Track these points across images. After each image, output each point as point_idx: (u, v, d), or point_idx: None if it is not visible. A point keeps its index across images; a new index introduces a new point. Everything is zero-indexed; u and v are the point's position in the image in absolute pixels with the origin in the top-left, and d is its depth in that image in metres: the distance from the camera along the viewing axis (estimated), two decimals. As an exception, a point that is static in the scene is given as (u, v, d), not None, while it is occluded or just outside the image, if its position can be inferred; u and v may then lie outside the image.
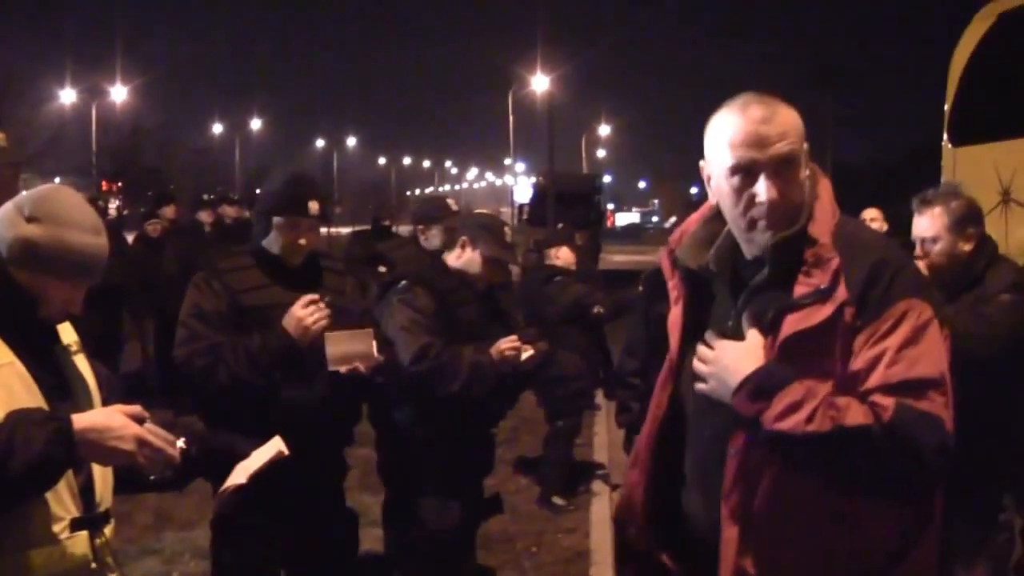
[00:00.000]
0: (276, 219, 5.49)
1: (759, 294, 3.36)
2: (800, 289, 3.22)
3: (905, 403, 3.03)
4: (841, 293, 3.16)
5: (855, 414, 3.04)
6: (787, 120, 3.31)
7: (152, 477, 3.50)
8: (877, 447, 3.01)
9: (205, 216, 15.55)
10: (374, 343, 5.38)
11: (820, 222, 3.30)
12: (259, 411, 5.14)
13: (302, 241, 5.49)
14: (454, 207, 6.74)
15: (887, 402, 3.03)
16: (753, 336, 3.27)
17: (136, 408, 3.33)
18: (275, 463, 4.14)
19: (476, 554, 6.92)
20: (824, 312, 3.16)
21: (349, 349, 5.29)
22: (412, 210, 7.45)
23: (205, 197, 16.49)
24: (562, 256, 10.90)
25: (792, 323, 3.20)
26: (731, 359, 3.25)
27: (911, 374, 3.06)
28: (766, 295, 3.32)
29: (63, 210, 3.44)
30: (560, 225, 15.57)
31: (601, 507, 10.38)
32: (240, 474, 4.03)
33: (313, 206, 5.48)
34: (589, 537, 9.45)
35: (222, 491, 4.07)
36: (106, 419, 3.25)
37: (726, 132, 3.33)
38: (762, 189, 3.27)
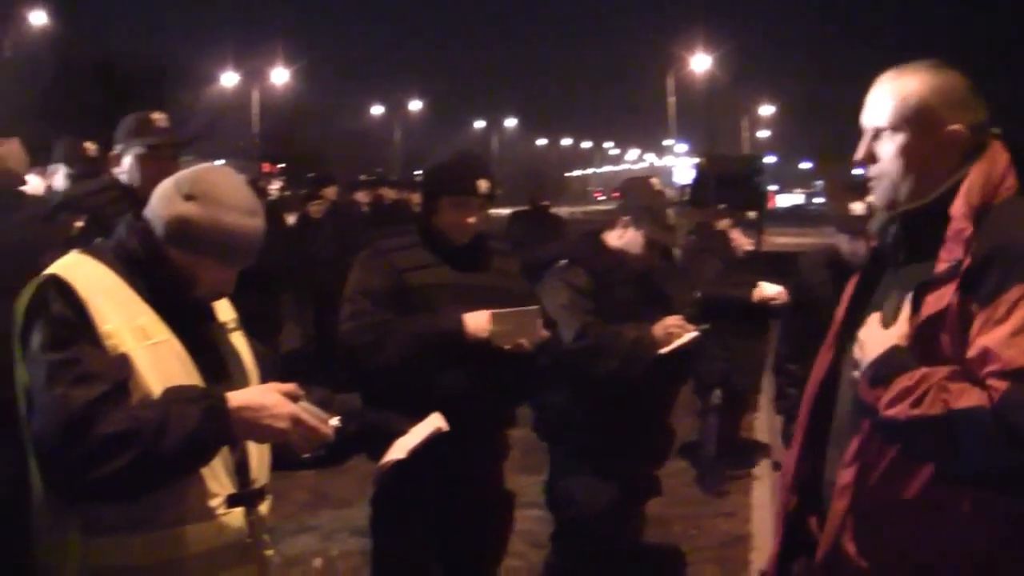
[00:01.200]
0: (446, 197, 5.45)
1: (909, 269, 3.32)
2: (939, 266, 3.19)
3: (1019, 386, 2.90)
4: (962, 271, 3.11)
5: (968, 397, 2.95)
6: (893, 93, 3.35)
7: (306, 455, 3.48)
8: (985, 431, 2.90)
9: (362, 197, 15.65)
10: (540, 321, 5.32)
11: (961, 199, 3.25)
12: (419, 390, 5.12)
13: (470, 220, 5.44)
14: (657, 187, 6.67)
15: (1000, 385, 2.92)
16: (893, 318, 3.22)
17: (291, 386, 3.33)
18: (433, 439, 4.10)
19: (639, 537, 6.87)
20: (952, 289, 3.11)
21: (515, 327, 5.23)
22: (620, 186, 7.36)
23: (362, 178, 16.58)
24: (733, 237, 10.76)
25: (930, 303, 3.16)
26: (866, 344, 3.21)
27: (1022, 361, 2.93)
28: (912, 272, 3.28)
29: (220, 190, 3.43)
30: (721, 206, 15.35)
31: (762, 492, 10.25)
32: (398, 450, 4.00)
33: (482, 185, 5.43)
34: (749, 522, 9.34)
35: (380, 467, 4.05)
36: (261, 397, 3.26)
37: None
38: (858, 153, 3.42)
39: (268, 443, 3.49)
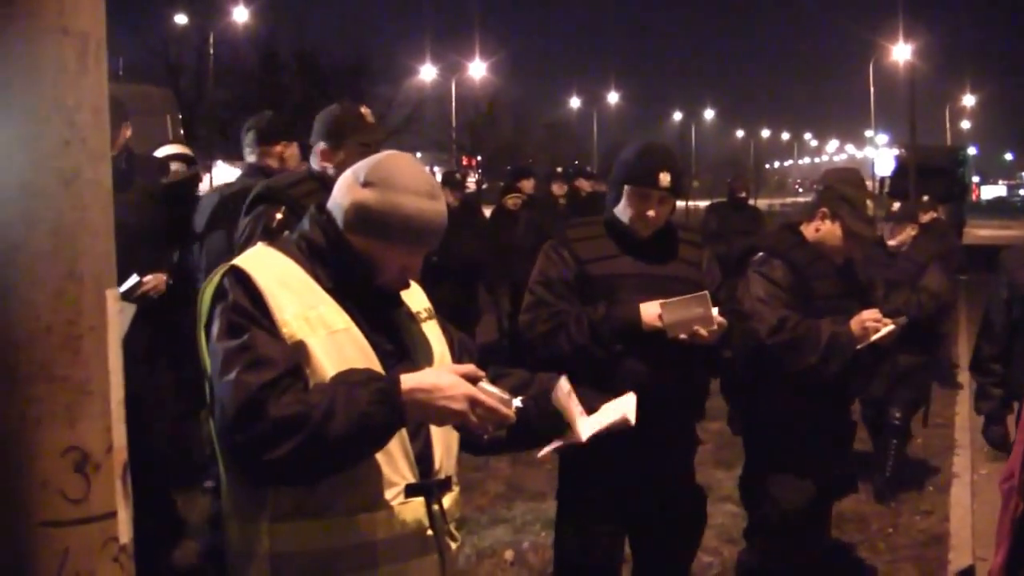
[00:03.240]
0: (626, 188, 5.39)
1: None
2: None
3: None
4: None
5: None
6: None
7: (485, 437, 3.43)
8: None
9: (557, 188, 15.63)
10: (712, 307, 5.21)
11: None
12: (601, 382, 5.09)
13: (650, 213, 5.34)
14: (858, 178, 6.55)
15: None
16: None
17: (469, 367, 3.30)
18: (616, 429, 3.99)
19: (830, 533, 6.76)
20: None
21: (686, 315, 5.13)
22: (821, 176, 7.29)
23: (558, 170, 16.58)
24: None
25: None
26: None
27: None
28: None
29: (397, 174, 3.41)
30: (925, 198, 15.05)
31: (961, 490, 10.02)
32: (585, 429, 3.88)
33: (664, 178, 5.31)
34: (948, 521, 9.11)
35: (559, 446, 3.92)
36: (435, 378, 3.22)
37: None
38: None
39: (445, 425, 3.42)
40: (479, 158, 69.68)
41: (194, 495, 8.65)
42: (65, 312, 2.48)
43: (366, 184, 3.40)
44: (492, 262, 13.97)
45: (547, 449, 3.83)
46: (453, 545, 3.58)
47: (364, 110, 5.80)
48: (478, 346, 4.04)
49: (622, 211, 5.40)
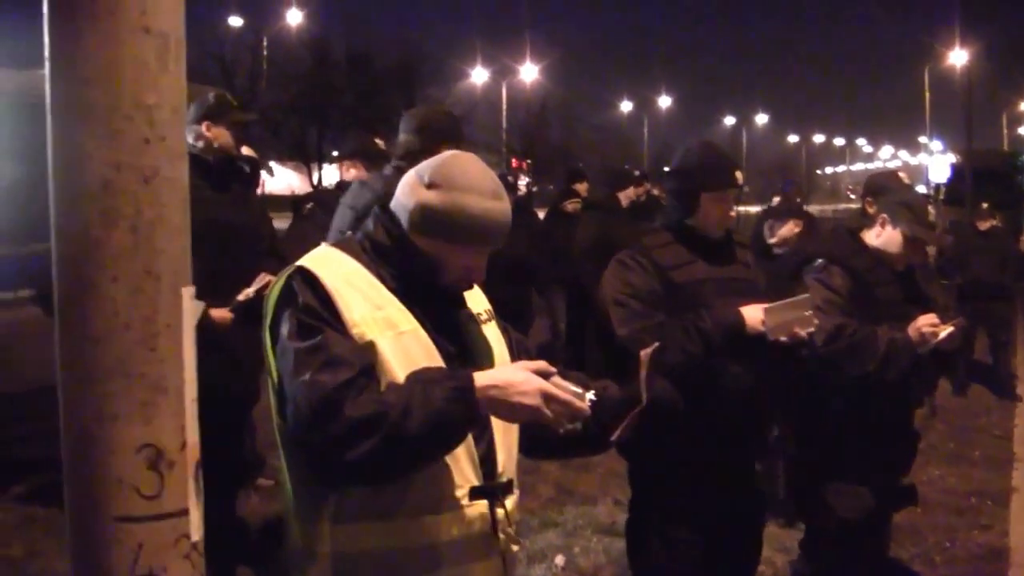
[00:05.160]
0: (705, 195, 5.38)
1: None
2: None
3: None
4: None
5: None
6: None
7: (561, 431, 3.41)
8: None
9: (631, 193, 15.12)
10: (811, 309, 5.24)
11: None
12: (704, 389, 5.07)
13: (732, 213, 5.43)
14: (906, 180, 6.51)
15: None
16: None
17: (541, 363, 3.27)
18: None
19: (888, 547, 6.69)
20: None
21: (787, 317, 5.16)
22: (866, 182, 7.26)
23: (636, 173, 16.11)
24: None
25: None
26: None
27: None
28: None
29: (461, 175, 3.41)
30: (984, 205, 15.04)
31: (1021, 504, 9.86)
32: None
33: (739, 175, 5.42)
34: (1008, 535, 8.96)
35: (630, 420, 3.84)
36: (509, 375, 3.21)
37: None
38: None
39: (519, 422, 3.42)
40: (529, 161, 69.67)
41: (246, 492, 8.72)
42: (143, 309, 2.51)
43: (431, 185, 3.40)
44: (545, 265, 13.93)
45: (620, 430, 3.76)
46: (515, 548, 3.57)
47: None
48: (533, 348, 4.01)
49: (699, 216, 5.42)
